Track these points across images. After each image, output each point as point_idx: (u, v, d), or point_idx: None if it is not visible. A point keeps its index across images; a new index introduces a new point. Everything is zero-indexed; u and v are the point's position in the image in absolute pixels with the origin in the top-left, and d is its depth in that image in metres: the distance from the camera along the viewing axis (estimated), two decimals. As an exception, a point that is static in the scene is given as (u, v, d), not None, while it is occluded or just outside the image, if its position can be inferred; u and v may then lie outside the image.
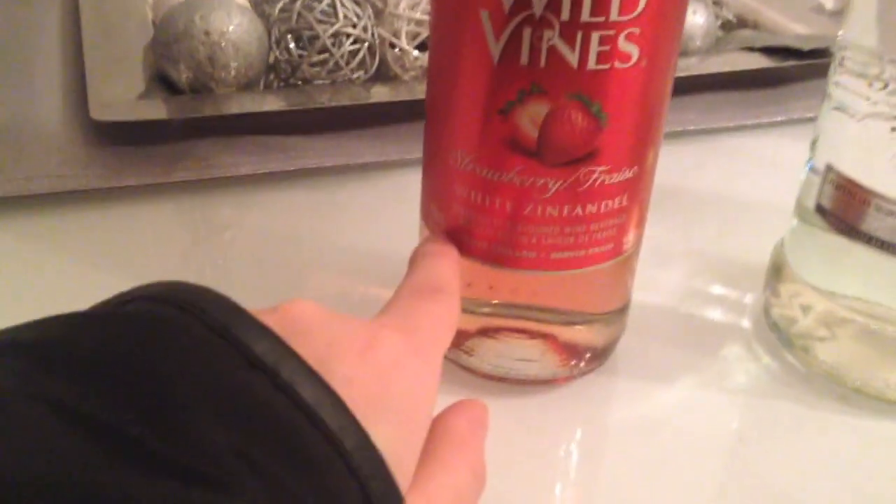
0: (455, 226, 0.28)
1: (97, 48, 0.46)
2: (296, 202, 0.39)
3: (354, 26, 0.44)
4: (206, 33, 0.42)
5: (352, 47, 0.44)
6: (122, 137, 0.40)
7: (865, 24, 0.29)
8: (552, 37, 0.24)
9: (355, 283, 0.34)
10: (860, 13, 0.29)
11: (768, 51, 0.48)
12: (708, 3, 0.49)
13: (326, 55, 0.44)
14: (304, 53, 0.44)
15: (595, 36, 0.23)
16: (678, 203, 0.40)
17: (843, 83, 0.30)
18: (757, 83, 0.48)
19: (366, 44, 0.44)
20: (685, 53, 0.48)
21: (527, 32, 0.24)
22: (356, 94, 0.44)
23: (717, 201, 0.41)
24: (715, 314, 0.33)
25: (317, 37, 0.43)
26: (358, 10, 0.44)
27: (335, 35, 0.43)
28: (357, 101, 0.43)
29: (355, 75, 0.45)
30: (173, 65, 0.42)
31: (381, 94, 0.44)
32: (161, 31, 0.43)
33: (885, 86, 0.28)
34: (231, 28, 0.42)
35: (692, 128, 0.45)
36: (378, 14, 0.46)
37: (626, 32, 0.24)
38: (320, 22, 0.43)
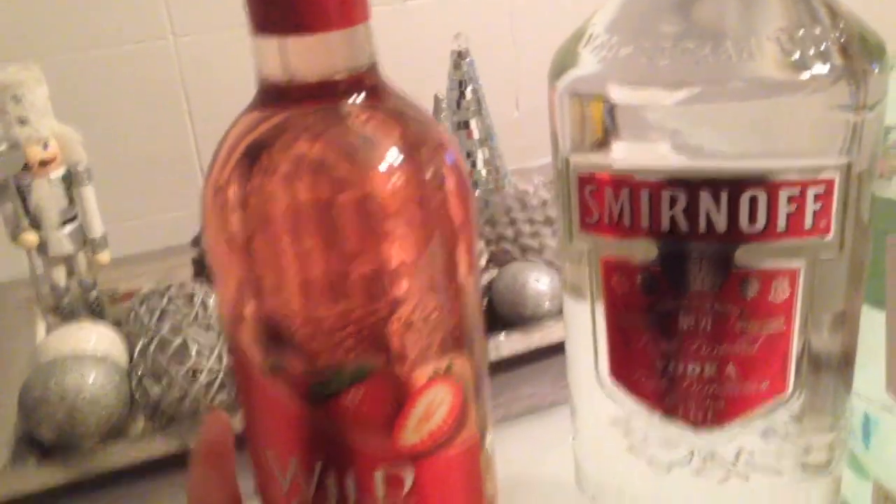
0: None
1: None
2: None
3: (208, 359, 0.45)
4: (62, 398, 0.43)
5: (207, 379, 0.45)
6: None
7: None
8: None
9: None
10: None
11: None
12: (552, 266, 0.52)
13: (184, 391, 0.45)
14: (166, 391, 0.45)
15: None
16: (528, 491, 0.41)
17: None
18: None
19: (220, 373, 0.46)
20: (535, 318, 0.50)
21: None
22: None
23: (560, 490, 0.42)
24: None
25: (172, 377, 0.45)
26: (213, 339, 0.46)
27: (190, 371, 0.45)
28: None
29: (217, 400, 0.46)
30: (36, 427, 0.43)
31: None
32: (22, 397, 0.44)
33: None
34: (86, 386, 0.43)
35: (548, 402, 0.47)
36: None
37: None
38: (173, 363, 0.45)
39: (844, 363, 0.27)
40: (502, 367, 0.49)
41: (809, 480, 0.28)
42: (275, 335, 0.23)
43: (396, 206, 0.22)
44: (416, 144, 0.23)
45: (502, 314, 0.52)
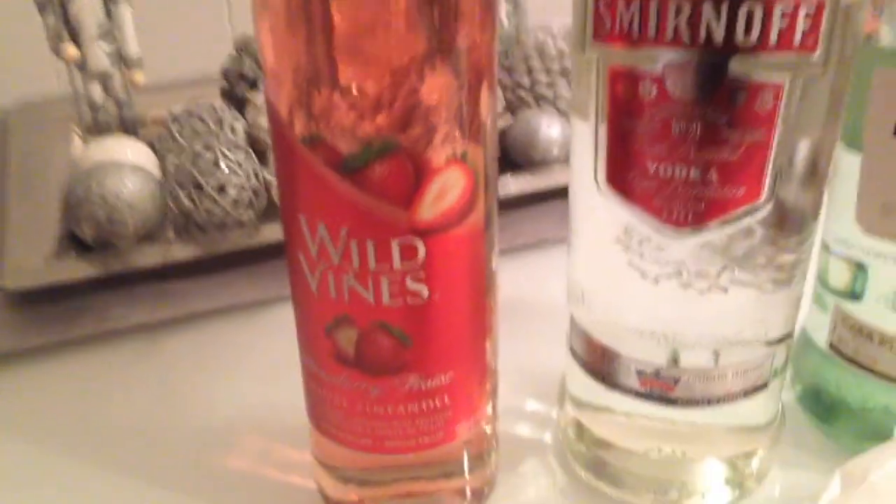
0: (315, 409, 0.33)
1: (19, 201, 0.51)
2: (190, 349, 0.45)
3: (238, 174, 0.49)
4: (102, 197, 0.46)
5: (236, 195, 0.49)
6: (30, 299, 0.46)
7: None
8: (350, 280, 0.29)
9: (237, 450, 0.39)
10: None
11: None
12: (564, 116, 0.55)
13: (214, 204, 0.48)
14: (197, 203, 0.49)
15: (383, 280, 0.29)
16: (517, 317, 0.45)
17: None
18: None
19: (249, 190, 0.49)
20: (545, 162, 0.53)
21: (330, 274, 0.29)
22: (236, 237, 0.49)
23: (553, 313, 0.45)
24: (524, 430, 0.38)
25: (203, 189, 0.48)
26: (242, 158, 0.49)
27: (220, 185, 0.48)
28: (235, 246, 0.48)
29: (244, 215, 0.49)
30: (78, 224, 0.47)
31: (262, 235, 0.49)
32: (66, 196, 0.48)
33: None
34: (125, 190, 0.47)
35: (549, 238, 0.50)
36: (262, 157, 0.51)
37: (410, 276, 0.29)
38: (204, 176, 0.48)
39: (816, 191, 0.30)
40: (510, 204, 0.53)
41: (774, 294, 0.31)
42: (314, 108, 0.26)
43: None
44: None
45: (514, 159, 0.55)
